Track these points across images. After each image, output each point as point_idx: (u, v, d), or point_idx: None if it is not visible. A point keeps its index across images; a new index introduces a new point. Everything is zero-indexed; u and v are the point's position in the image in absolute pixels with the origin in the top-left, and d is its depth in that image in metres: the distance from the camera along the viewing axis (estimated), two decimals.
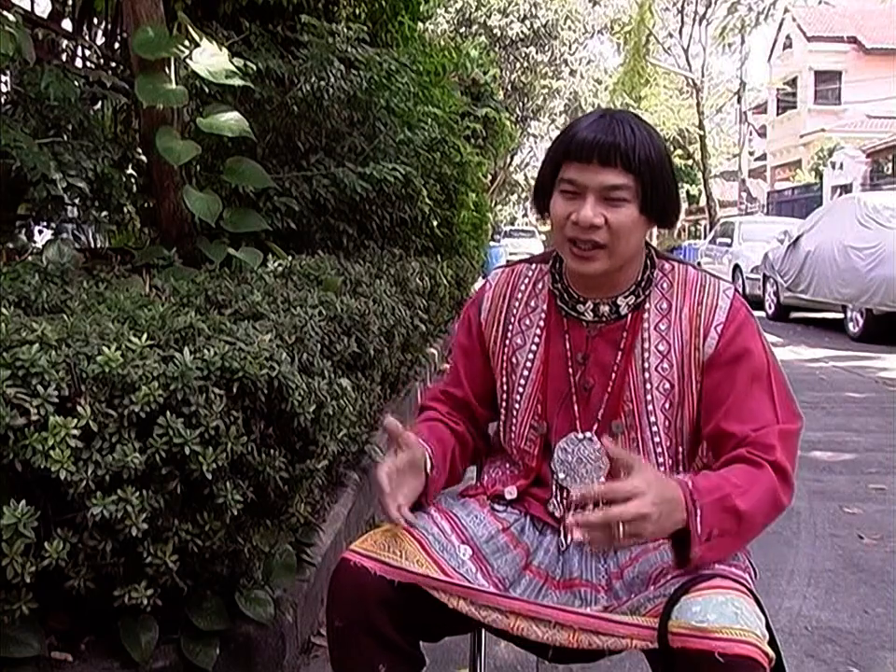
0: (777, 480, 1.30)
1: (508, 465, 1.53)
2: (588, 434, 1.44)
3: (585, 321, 1.44)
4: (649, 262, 1.44)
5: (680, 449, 1.41)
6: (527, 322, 1.49)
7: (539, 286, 1.50)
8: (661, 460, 1.41)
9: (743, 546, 1.32)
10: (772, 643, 1.22)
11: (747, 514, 1.25)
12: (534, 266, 1.52)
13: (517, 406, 1.48)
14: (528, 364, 1.47)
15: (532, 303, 1.49)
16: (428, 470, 1.39)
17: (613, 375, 1.42)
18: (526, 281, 1.51)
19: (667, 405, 1.40)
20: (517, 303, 1.50)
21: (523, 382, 1.48)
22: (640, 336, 1.42)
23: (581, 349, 1.44)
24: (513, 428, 1.49)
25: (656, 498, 1.17)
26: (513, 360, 1.49)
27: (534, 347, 1.47)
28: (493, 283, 1.53)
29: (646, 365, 1.40)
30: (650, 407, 1.40)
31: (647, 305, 1.42)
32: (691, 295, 1.41)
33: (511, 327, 1.49)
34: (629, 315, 1.42)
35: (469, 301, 1.57)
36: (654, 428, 1.41)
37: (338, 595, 1.34)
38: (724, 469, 1.31)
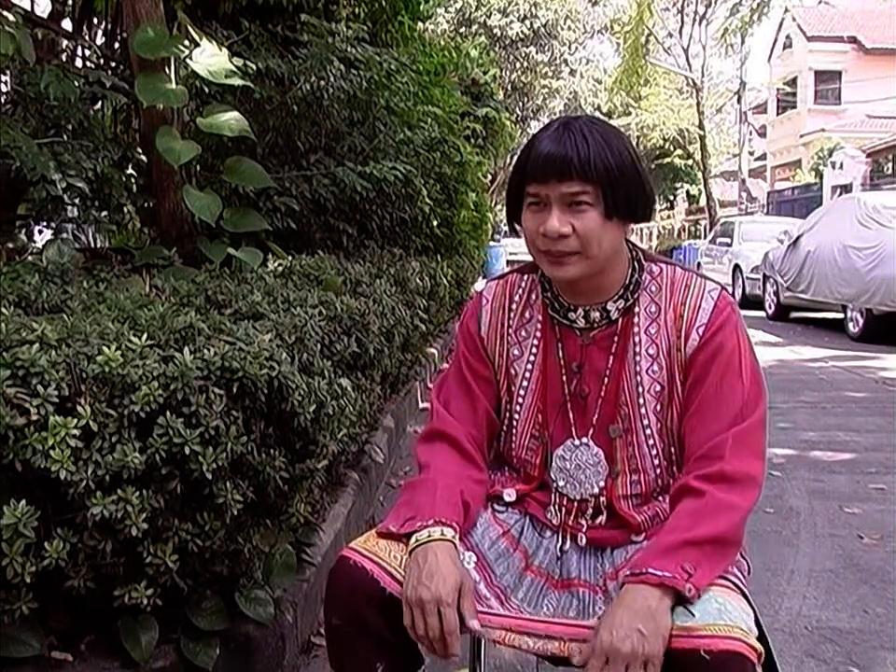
0: (724, 489, 1.29)
1: (508, 469, 1.54)
2: (585, 440, 1.44)
3: (578, 329, 1.45)
4: (637, 265, 1.44)
5: (673, 450, 1.42)
6: (523, 333, 1.49)
7: (533, 296, 1.50)
8: (656, 462, 1.42)
9: (731, 558, 1.31)
10: (762, 639, 1.22)
11: (706, 538, 1.25)
12: (526, 276, 1.52)
13: (517, 416, 1.49)
14: (527, 374, 1.48)
15: (527, 314, 1.50)
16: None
17: (607, 380, 1.43)
18: (521, 292, 1.51)
19: (658, 407, 1.41)
20: (513, 314, 1.50)
21: (522, 392, 1.48)
22: (631, 340, 1.42)
23: (575, 359, 1.45)
24: (514, 439, 1.50)
25: (619, 631, 1.17)
26: (511, 371, 1.49)
27: (532, 358, 1.48)
28: (489, 297, 1.53)
29: (637, 368, 1.41)
30: (643, 410, 1.41)
31: (636, 309, 1.43)
32: (676, 296, 1.41)
33: (508, 338, 1.50)
34: (620, 320, 1.43)
35: (466, 315, 1.55)
36: (648, 431, 1.41)
37: (335, 593, 1.34)
38: (668, 519, 1.32)
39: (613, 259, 1.40)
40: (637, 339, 1.42)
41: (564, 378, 1.45)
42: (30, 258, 2.87)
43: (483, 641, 1.56)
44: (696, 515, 1.27)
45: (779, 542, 3.15)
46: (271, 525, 1.99)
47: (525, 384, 1.48)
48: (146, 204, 3.63)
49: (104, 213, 3.36)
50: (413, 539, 1.33)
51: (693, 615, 1.19)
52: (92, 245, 4.56)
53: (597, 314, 1.43)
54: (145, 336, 1.71)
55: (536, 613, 1.37)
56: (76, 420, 1.53)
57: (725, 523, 1.27)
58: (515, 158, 1.43)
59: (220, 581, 1.89)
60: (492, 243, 18.43)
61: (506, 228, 30.42)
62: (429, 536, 1.32)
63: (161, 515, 1.66)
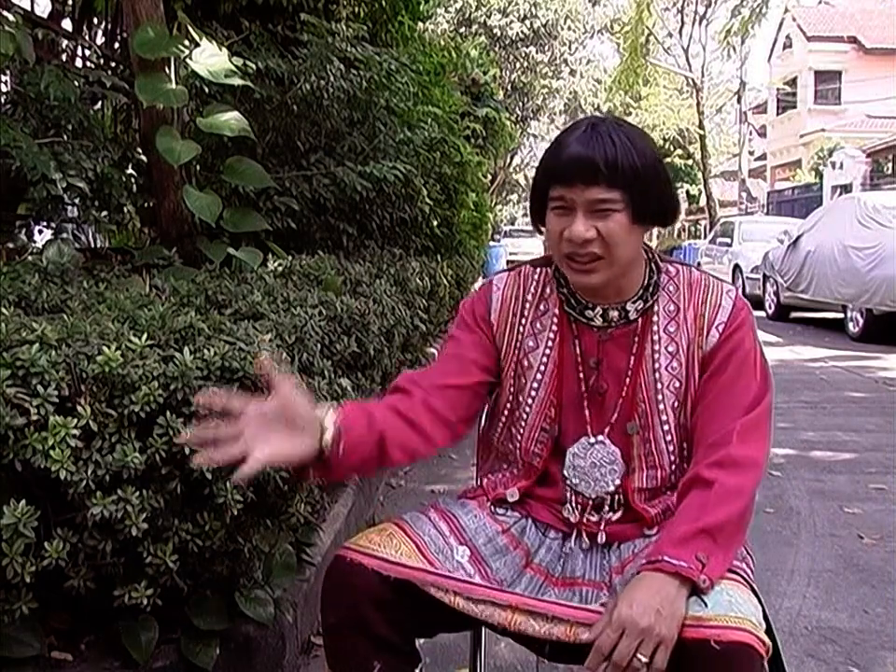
0: (731, 472, 1.32)
1: (506, 466, 1.53)
2: (600, 437, 1.44)
3: (595, 326, 1.45)
4: (654, 266, 1.46)
5: (685, 445, 1.43)
6: (539, 325, 1.48)
7: (548, 290, 1.50)
8: (672, 458, 1.43)
9: (739, 543, 1.35)
10: (769, 633, 1.23)
11: (716, 525, 1.27)
12: (538, 270, 1.52)
13: (528, 409, 1.47)
14: (542, 367, 1.47)
15: (542, 307, 1.49)
16: (327, 445, 1.28)
17: (627, 380, 1.43)
18: (535, 284, 1.51)
19: (676, 403, 1.42)
20: (528, 305, 1.50)
21: (535, 385, 1.47)
22: (651, 339, 1.43)
23: (592, 354, 1.45)
24: (521, 431, 1.48)
25: (639, 606, 1.18)
26: (525, 363, 1.48)
27: (547, 351, 1.47)
28: (500, 285, 1.52)
29: (656, 366, 1.42)
30: (661, 406, 1.42)
31: (655, 308, 1.44)
32: (696, 295, 1.44)
33: (522, 329, 1.49)
34: (639, 320, 1.44)
35: (473, 298, 1.55)
36: (666, 427, 1.42)
37: (332, 591, 1.34)
38: (678, 509, 1.35)
39: (633, 262, 1.41)
40: (656, 337, 1.43)
41: (581, 374, 1.45)
42: (30, 258, 2.87)
43: (482, 641, 1.57)
44: (707, 504, 1.30)
45: (779, 542, 3.15)
46: (271, 524, 1.99)
47: (538, 376, 1.47)
48: (146, 204, 3.63)
49: (104, 213, 3.35)
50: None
51: (706, 605, 1.20)
52: (92, 245, 4.56)
53: (616, 313, 1.44)
54: (145, 336, 1.71)
55: None
56: (76, 420, 1.53)
57: (735, 506, 1.30)
58: (541, 157, 1.43)
59: (220, 581, 1.89)
60: (492, 243, 18.44)
61: (506, 228, 30.47)
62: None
63: (161, 515, 1.66)
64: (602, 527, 1.44)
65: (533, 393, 1.47)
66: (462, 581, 1.32)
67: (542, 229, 1.43)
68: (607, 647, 1.18)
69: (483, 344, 1.49)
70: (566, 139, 1.36)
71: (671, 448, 1.42)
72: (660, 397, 1.42)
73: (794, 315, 11.27)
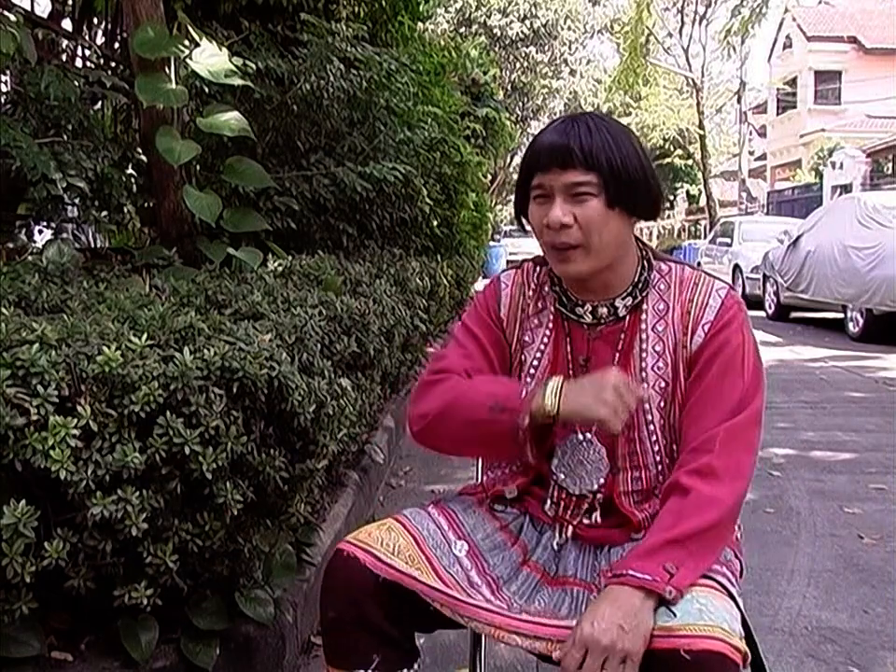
0: (710, 483, 1.30)
1: (506, 462, 1.54)
2: (588, 435, 1.44)
3: (585, 323, 1.45)
4: (646, 264, 1.46)
5: (675, 447, 1.42)
6: (535, 321, 1.50)
7: (546, 287, 1.51)
8: (658, 458, 1.42)
9: (717, 552, 1.32)
10: (750, 640, 1.22)
11: (689, 534, 1.26)
12: (539, 268, 1.53)
13: None
14: (535, 363, 1.48)
15: (539, 304, 1.51)
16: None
17: None
18: (535, 281, 1.53)
19: (662, 403, 1.41)
20: (529, 301, 1.51)
21: (528, 380, 1.48)
22: (638, 337, 1.43)
23: (582, 352, 1.46)
24: None
25: (601, 623, 1.18)
26: (521, 358, 1.50)
27: (542, 347, 1.48)
28: (507, 282, 1.54)
29: (643, 364, 1.42)
30: (646, 406, 1.41)
31: (644, 307, 1.44)
32: (684, 294, 1.43)
33: (523, 324, 1.51)
34: (627, 317, 1.44)
35: (485, 293, 1.56)
36: (651, 427, 1.42)
37: (331, 585, 1.35)
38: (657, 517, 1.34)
39: (621, 256, 1.41)
40: (643, 335, 1.43)
41: (571, 372, 1.46)
42: (30, 258, 2.87)
43: (482, 641, 1.57)
44: (681, 513, 1.28)
45: (779, 542, 3.14)
46: (271, 524, 1.99)
47: (532, 371, 1.48)
48: (146, 204, 3.63)
49: (104, 213, 3.36)
50: (542, 402, 1.34)
51: (674, 615, 1.19)
52: (92, 245, 4.56)
53: (605, 309, 1.44)
54: (145, 336, 1.71)
55: (527, 606, 1.37)
56: (76, 420, 1.53)
57: (709, 517, 1.28)
58: (524, 151, 1.45)
59: (220, 581, 1.89)
60: (492, 243, 18.46)
61: (506, 228, 30.49)
62: (552, 382, 1.36)
63: (161, 515, 1.66)
64: (577, 524, 1.44)
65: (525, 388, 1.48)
66: (447, 596, 1.31)
67: (527, 226, 1.44)
68: (573, 667, 1.18)
69: (500, 342, 1.52)
70: (545, 129, 1.40)
71: (657, 448, 1.42)
72: (646, 396, 1.41)
73: (794, 314, 11.27)
